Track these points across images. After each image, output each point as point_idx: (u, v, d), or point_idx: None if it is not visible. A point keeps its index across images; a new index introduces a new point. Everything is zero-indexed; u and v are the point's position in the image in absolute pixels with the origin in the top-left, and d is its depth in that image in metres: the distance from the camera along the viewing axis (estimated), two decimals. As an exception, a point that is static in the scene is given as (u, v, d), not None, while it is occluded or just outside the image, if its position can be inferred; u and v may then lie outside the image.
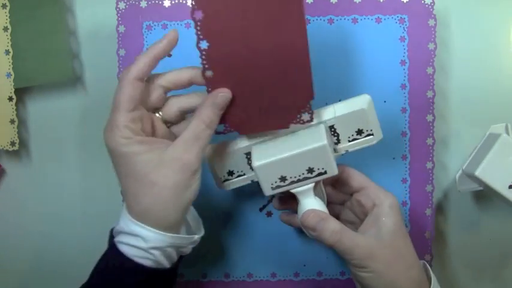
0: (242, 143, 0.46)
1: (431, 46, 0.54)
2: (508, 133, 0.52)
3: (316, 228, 0.43)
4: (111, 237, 0.44)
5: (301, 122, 0.44)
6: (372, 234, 0.44)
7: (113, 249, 0.43)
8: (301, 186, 0.45)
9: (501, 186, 0.48)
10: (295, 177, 0.44)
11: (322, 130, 0.44)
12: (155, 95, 0.45)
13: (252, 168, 0.46)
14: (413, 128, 0.55)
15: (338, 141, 0.46)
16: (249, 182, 0.48)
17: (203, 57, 0.41)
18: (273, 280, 0.56)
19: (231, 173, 0.48)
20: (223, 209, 0.56)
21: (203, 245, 0.56)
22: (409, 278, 0.43)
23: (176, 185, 0.41)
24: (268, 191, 0.45)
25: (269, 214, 0.56)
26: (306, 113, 0.44)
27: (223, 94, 0.42)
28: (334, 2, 0.54)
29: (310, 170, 0.44)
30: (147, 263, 0.41)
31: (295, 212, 0.48)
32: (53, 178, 0.58)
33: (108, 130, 0.42)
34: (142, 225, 0.41)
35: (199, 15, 0.40)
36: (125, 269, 0.41)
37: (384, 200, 0.45)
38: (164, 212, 0.41)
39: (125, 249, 0.42)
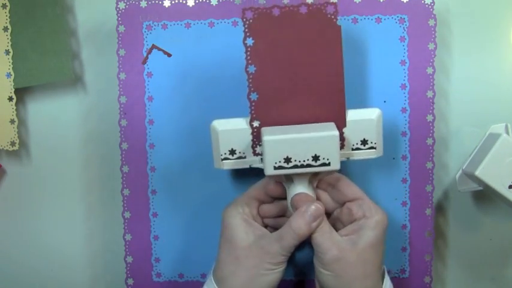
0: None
1: (431, 46, 0.54)
2: (508, 133, 0.52)
3: (301, 206, 0.45)
4: None
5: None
6: (350, 239, 0.45)
7: None
8: (302, 172, 0.45)
9: (501, 186, 0.48)
10: (299, 161, 0.44)
11: (333, 125, 0.45)
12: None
13: (254, 153, 0.47)
14: (413, 128, 0.55)
15: (342, 147, 0.47)
16: (247, 166, 0.48)
17: (250, 80, 0.46)
18: (273, 280, 0.56)
19: (232, 152, 0.48)
20: (223, 209, 0.56)
21: (203, 245, 0.56)
22: (363, 286, 0.45)
23: (254, 267, 0.45)
24: (270, 170, 0.45)
25: (269, 214, 0.56)
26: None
27: (317, 208, 0.45)
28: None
29: (316, 158, 0.44)
30: None
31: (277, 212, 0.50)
32: (53, 178, 0.58)
33: (232, 204, 0.49)
34: None
35: (250, 41, 0.45)
36: None
37: (374, 214, 0.46)
38: (237, 285, 0.45)
39: None
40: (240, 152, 0.48)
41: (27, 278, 0.60)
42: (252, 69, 0.45)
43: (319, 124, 0.46)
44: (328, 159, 0.44)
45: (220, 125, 0.47)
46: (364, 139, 0.47)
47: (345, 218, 0.48)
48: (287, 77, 0.46)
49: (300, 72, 0.46)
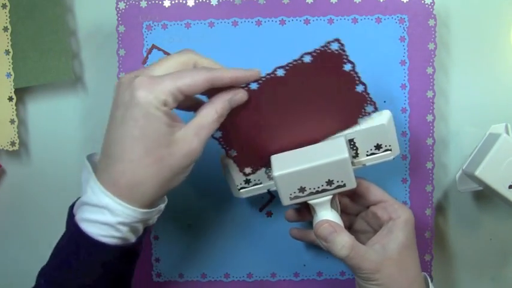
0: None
1: (431, 46, 0.54)
2: (508, 133, 0.52)
3: (328, 239, 0.44)
4: (70, 215, 0.42)
5: (367, 114, 0.46)
6: (383, 246, 0.44)
7: (74, 229, 0.40)
8: (319, 198, 0.45)
9: (501, 186, 0.48)
10: (314, 188, 0.44)
11: (343, 143, 0.45)
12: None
13: (269, 177, 0.48)
14: (413, 128, 0.55)
15: (356, 155, 0.47)
16: (265, 191, 0.49)
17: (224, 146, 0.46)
18: (273, 280, 0.56)
19: (247, 181, 0.48)
20: (223, 209, 0.56)
21: (203, 245, 0.56)
22: None
23: (178, 167, 0.40)
24: (286, 201, 0.45)
25: (269, 214, 0.56)
26: (370, 105, 0.45)
27: (242, 95, 0.43)
28: (334, 2, 0.54)
29: (330, 182, 0.44)
30: (113, 241, 0.39)
31: (310, 222, 0.48)
32: (53, 178, 0.58)
33: (148, 84, 0.38)
34: (115, 198, 0.39)
35: (217, 134, 0.45)
36: (88, 249, 0.39)
37: (400, 214, 0.46)
38: (153, 189, 0.40)
39: (88, 227, 0.39)
40: (254, 180, 0.48)
41: (27, 278, 0.60)
42: (233, 152, 0.46)
43: (327, 143, 0.45)
44: (342, 181, 0.44)
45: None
46: (377, 144, 0.47)
47: (371, 222, 0.48)
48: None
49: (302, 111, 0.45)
